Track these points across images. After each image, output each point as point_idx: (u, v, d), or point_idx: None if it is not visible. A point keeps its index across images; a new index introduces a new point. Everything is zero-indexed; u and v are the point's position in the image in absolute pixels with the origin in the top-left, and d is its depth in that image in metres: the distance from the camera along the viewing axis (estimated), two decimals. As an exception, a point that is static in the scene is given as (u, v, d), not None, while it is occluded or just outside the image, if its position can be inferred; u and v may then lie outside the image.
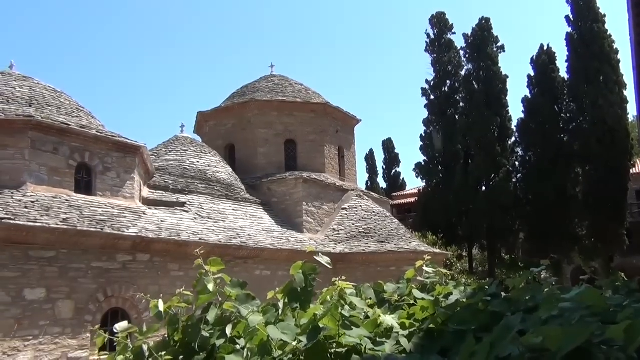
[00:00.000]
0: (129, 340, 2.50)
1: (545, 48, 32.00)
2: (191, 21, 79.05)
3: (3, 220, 10.23)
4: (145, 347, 2.39)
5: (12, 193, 11.40)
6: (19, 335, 10.36)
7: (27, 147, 12.00)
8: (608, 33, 29.45)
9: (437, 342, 1.89)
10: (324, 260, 2.49)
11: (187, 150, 19.54)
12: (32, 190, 11.80)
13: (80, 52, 71.83)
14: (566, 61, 30.34)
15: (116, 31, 74.78)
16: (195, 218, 15.64)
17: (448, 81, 34.18)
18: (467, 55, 33.58)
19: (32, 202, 11.41)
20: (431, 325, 2.01)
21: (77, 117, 14.19)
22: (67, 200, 12.25)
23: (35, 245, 10.85)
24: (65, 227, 11.12)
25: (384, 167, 49.07)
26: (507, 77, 32.42)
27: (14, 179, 11.73)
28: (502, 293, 2.30)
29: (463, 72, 33.92)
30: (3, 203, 10.88)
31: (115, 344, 2.54)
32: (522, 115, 32.11)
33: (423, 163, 33.85)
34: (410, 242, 19.51)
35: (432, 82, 34.24)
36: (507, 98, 32.45)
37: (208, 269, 2.51)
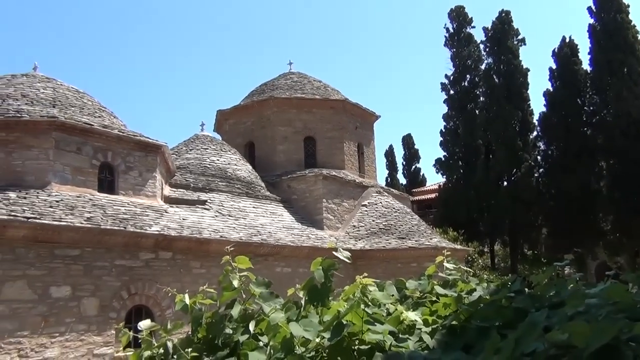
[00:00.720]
0: (152, 338, 2.53)
1: (567, 40, 31.52)
2: (210, 20, 79.56)
3: (29, 220, 10.42)
4: (169, 344, 2.42)
5: (38, 193, 11.61)
6: (45, 332, 10.57)
7: (52, 148, 12.20)
8: (632, 24, 28.85)
9: (460, 339, 1.88)
10: (343, 255, 2.50)
11: (207, 149, 19.69)
12: (56, 190, 12.00)
13: (101, 52, 72.78)
14: (589, 53, 29.82)
15: (136, 31, 75.60)
16: (216, 216, 15.76)
17: (468, 75, 33.90)
18: (487, 49, 33.26)
19: (57, 201, 11.61)
20: (454, 322, 2.00)
21: (99, 117, 14.38)
22: (90, 199, 12.44)
23: (60, 244, 11.04)
24: (90, 225, 11.29)
25: (404, 163, 48.81)
26: (528, 70, 32.05)
27: (39, 179, 11.95)
28: (526, 289, 2.28)
29: (483, 66, 33.62)
30: (29, 203, 11.08)
31: (140, 341, 2.58)
32: (544, 109, 31.71)
33: (443, 159, 33.65)
34: (431, 238, 19.41)
35: (452, 77, 33.98)
36: (528, 92, 32.09)
37: (235, 265, 2.53)
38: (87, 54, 72.68)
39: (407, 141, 48.89)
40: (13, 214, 10.37)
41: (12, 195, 11.19)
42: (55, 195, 11.82)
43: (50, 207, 11.27)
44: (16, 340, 10.14)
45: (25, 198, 11.22)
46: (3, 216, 10.14)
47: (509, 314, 1.89)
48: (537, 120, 32.17)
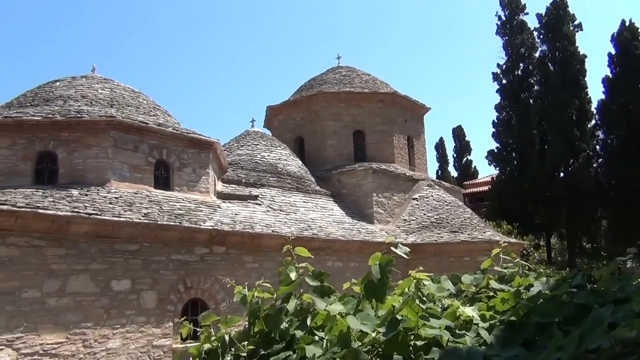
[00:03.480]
0: (212, 330, 2.60)
1: (627, 24, 30.14)
2: (259, 18, 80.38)
3: (91, 216, 10.86)
4: (226, 337, 2.48)
5: (98, 190, 12.08)
6: (108, 324, 11.01)
7: (110, 146, 12.66)
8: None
9: (519, 335, 1.85)
10: (401, 250, 2.49)
11: (258, 145, 19.95)
12: (115, 187, 12.45)
13: (153, 52, 74.79)
14: (651, 36, 28.42)
15: (186, 30, 77.25)
16: (268, 211, 15.96)
17: (521, 64, 32.92)
18: (541, 36, 32.19)
19: (116, 198, 12.05)
20: (512, 318, 1.97)
21: (154, 115, 14.81)
22: (147, 195, 12.84)
23: (120, 239, 11.46)
24: (147, 221, 11.66)
25: (455, 155, 47.99)
26: (586, 56, 30.83)
27: (99, 177, 12.43)
28: (587, 284, 2.21)
29: (537, 54, 32.59)
30: (90, 200, 11.55)
31: (199, 333, 2.65)
32: (603, 97, 30.44)
33: (496, 150, 32.89)
34: (484, 232, 19.02)
35: (504, 66, 33.09)
36: (585, 79, 30.88)
37: (295, 255, 2.57)
38: (140, 53, 74.88)
39: (458, 133, 48.03)
40: (76, 210, 10.83)
41: (75, 192, 11.69)
42: (115, 192, 12.27)
43: (110, 203, 11.71)
44: (81, 331, 10.62)
45: (86, 195, 11.70)
46: (67, 213, 10.61)
47: (571, 309, 1.85)
48: (595, 108, 30.98)
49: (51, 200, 10.98)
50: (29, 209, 10.21)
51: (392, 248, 2.50)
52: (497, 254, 2.75)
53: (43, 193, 11.27)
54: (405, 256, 2.47)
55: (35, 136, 12.31)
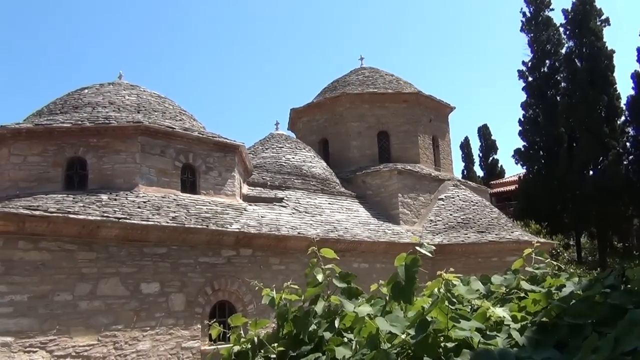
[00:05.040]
0: (241, 332, 2.62)
1: (657, 17, 29.44)
2: (281, 21, 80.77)
3: (120, 220, 11.05)
4: (256, 339, 2.50)
5: (127, 194, 12.28)
6: (138, 326, 11.18)
7: (138, 151, 12.86)
8: None
9: (552, 336, 1.83)
10: (426, 249, 2.47)
11: (282, 147, 20.04)
12: (143, 191, 12.64)
13: (177, 57, 75.74)
14: (682, 30, 27.71)
15: (209, 35, 78.05)
16: (293, 213, 16.02)
17: (547, 61, 32.44)
18: (567, 32, 31.68)
19: (144, 202, 12.23)
20: (544, 319, 1.94)
21: (180, 120, 15.00)
22: (174, 199, 13.01)
23: (148, 243, 11.64)
24: (175, 224, 11.81)
25: (481, 154, 47.46)
26: (614, 51, 30.22)
27: (127, 181, 12.63)
28: (621, 284, 2.17)
29: (564, 50, 32.09)
30: (119, 204, 11.75)
31: (228, 335, 2.68)
32: (633, 92, 29.75)
33: (523, 149, 32.46)
34: (512, 232, 18.77)
35: (530, 63, 32.66)
36: (614, 74, 30.26)
37: (320, 257, 2.57)
38: (164, 59, 75.89)
39: (484, 132, 47.49)
40: (105, 215, 11.03)
41: (104, 197, 11.91)
42: (143, 196, 12.46)
43: (138, 207, 11.89)
44: (111, 333, 10.81)
45: (115, 200, 11.91)
46: (97, 217, 10.82)
47: (604, 310, 1.81)
48: (624, 104, 30.29)
49: (81, 205, 11.21)
50: (60, 214, 10.43)
51: (417, 248, 2.48)
52: (528, 254, 2.71)
53: (73, 198, 11.50)
54: (430, 255, 2.46)
55: (65, 143, 12.57)
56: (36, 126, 12.48)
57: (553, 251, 23.78)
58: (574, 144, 30.22)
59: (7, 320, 9.67)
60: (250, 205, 15.09)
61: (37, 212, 10.17)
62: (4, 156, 12.31)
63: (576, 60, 30.71)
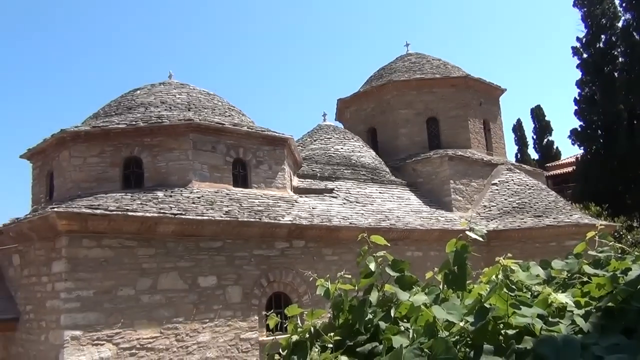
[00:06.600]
0: (298, 322, 2.65)
1: None
2: (324, 11, 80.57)
3: (176, 216, 11.37)
4: (312, 329, 2.52)
5: (181, 191, 12.61)
6: (197, 319, 11.51)
7: (190, 148, 13.16)
8: None
9: (619, 322, 1.76)
10: (477, 234, 2.43)
11: (330, 138, 20.06)
12: (197, 187, 12.94)
13: (223, 53, 76.82)
14: None
15: (252, 30, 78.77)
16: (344, 203, 16.03)
17: (603, 36, 31.03)
18: (623, 4, 30.17)
19: (198, 197, 12.53)
20: (610, 304, 1.87)
21: (229, 116, 15.24)
22: (227, 194, 13.26)
23: (204, 237, 11.93)
24: (229, 218, 12.05)
25: (534, 136, 45.94)
26: (676, 22, 28.61)
27: (181, 178, 12.96)
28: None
29: (620, 24, 30.59)
30: (174, 200, 12.08)
31: (285, 325, 2.72)
32: (698, 64, 28.11)
33: (579, 129, 31.27)
34: (571, 215, 18.16)
35: (585, 39, 31.33)
36: (676, 46, 28.64)
37: (372, 245, 2.57)
38: (210, 55, 77.14)
39: (537, 113, 45.93)
40: (162, 211, 11.37)
41: (160, 194, 12.27)
42: (196, 192, 12.76)
43: (193, 203, 12.19)
44: (173, 325, 11.17)
45: (171, 196, 12.25)
46: (154, 214, 11.16)
47: (675, 294, 1.73)
48: (689, 77, 28.67)
49: (139, 202, 11.59)
50: (120, 212, 10.83)
51: (467, 232, 2.44)
52: (591, 237, 2.61)
53: (131, 196, 11.91)
54: (481, 239, 2.41)
55: (121, 143, 12.99)
56: (93, 128, 12.96)
57: (615, 234, 22.84)
58: (635, 122, 28.86)
59: (75, 315, 10.14)
60: (301, 197, 15.20)
61: (98, 211, 10.59)
62: (65, 158, 12.86)
63: (634, 34, 29.26)
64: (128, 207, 11.14)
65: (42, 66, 61.51)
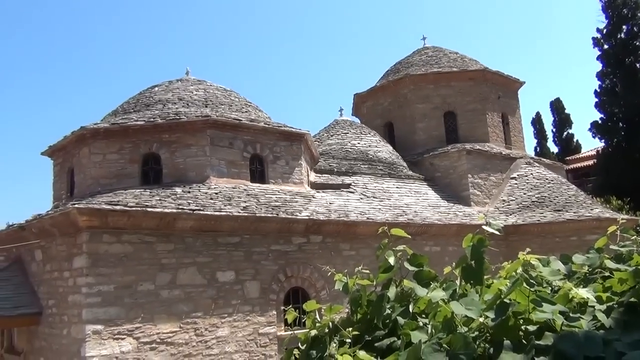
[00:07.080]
0: (317, 317, 2.66)
1: None
2: (340, 6, 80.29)
3: (195, 212, 11.45)
4: (331, 324, 2.53)
5: (199, 187, 12.70)
6: (216, 313, 11.60)
7: (207, 144, 13.24)
8: None
9: (642, 317, 1.73)
10: (494, 228, 2.41)
11: (347, 133, 20.03)
12: (214, 183, 13.02)
13: (238, 48, 77.04)
14: None
15: (269, 25, 78.82)
16: (361, 198, 16.01)
17: (624, 26, 30.47)
18: (645, -6, 29.62)
19: (216, 193, 12.61)
20: (632, 299, 1.84)
21: (246, 112, 15.30)
22: (245, 189, 13.32)
23: (222, 232, 12.00)
24: (246, 214, 12.10)
25: (554, 130, 45.32)
26: (700, 11, 27.99)
27: (199, 174, 13.05)
28: None
29: (642, 14, 30.01)
30: (192, 196, 12.17)
31: (304, 320, 2.73)
32: None
33: (600, 121, 30.78)
34: (591, 209, 17.92)
35: (605, 30, 30.79)
36: (701, 35, 28.04)
37: (391, 237, 2.56)
38: (226, 51, 77.42)
39: (557, 106, 45.29)
40: (180, 207, 11.46)
41: (178, 190, 12.37)
42: (214, 187, 12.84)
43: (211, 199, 12.27)
44: (192, 320, 11.27)
45: (189, 192, 12.34)
46: (173, 210, 11.26)
47: (701, 289, 1.70)
48: None
49: (158, 198, 11.69)
50: (139, 208, 10.94)
51: (484, 227, 2.42)
52: (613, 232, 2.57)
53: (150, 192, 12.02)
54: (498, 233, 2.39)
55: (140, 140, 13.12)
56: (112, 125, 13.10)
57: (638, 228, 22.49)
58: (658, 113, 28.35)
59: (96, 310, 10.29)
60: (318, 192, 15.21)
61: (118, 207, 10.71)
62: (85, 155, 13.02)
63: (657, 23, 28.73)
64: (147, 203, 11.25)
65: (63, 65, 62.35)
